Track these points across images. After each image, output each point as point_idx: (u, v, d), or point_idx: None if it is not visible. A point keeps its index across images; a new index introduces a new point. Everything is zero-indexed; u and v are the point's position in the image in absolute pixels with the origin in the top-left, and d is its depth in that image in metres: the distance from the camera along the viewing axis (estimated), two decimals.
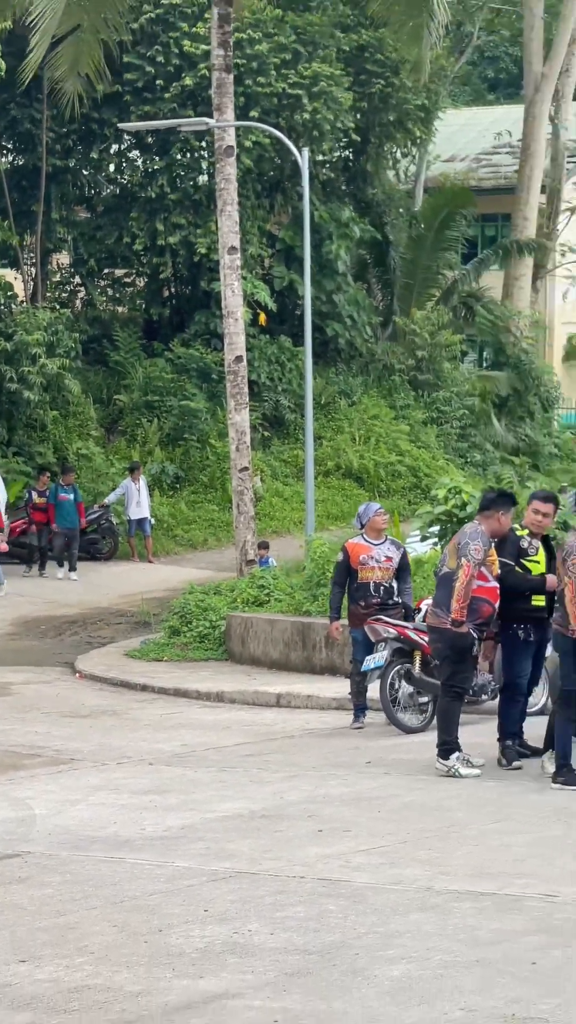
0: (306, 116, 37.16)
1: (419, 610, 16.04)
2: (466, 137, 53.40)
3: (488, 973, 7.94)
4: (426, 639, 14.89)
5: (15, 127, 37.84)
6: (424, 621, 14.83)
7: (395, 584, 16.56)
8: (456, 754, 13.54)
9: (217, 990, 7.91)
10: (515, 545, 13.89)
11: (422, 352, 42.39)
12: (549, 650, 13.72)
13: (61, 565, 30.95)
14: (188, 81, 36.18)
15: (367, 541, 16.67)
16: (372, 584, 16.47)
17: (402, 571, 16.65)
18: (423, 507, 23.19)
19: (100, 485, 34.20)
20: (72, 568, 30.77)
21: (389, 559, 16.57)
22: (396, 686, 16.12)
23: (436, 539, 20.69)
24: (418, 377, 42.62)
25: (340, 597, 16.83)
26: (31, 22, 25.69)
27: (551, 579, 13.40)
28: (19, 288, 39.15)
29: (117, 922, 9.36)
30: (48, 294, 40.38)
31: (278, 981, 8.01)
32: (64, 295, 41.93)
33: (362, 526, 16.92)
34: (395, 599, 16.47)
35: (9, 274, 39.70)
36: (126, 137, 39.16)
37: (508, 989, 7.65)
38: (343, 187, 42.71)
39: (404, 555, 16.89)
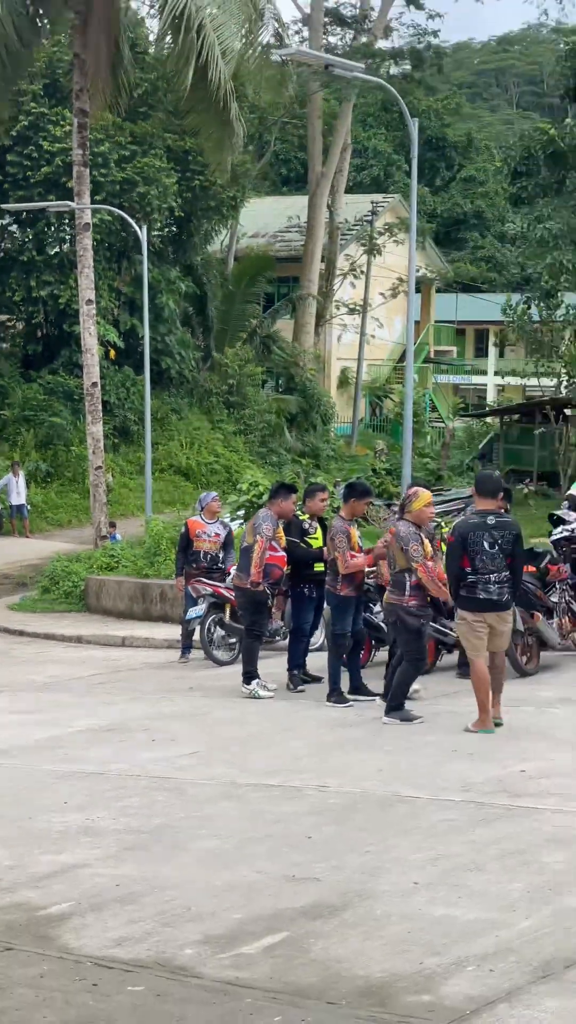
0: (140, 192, 36.85)
1: (228, 574, 16.01)
2: (266, 219, 53.39)
3: (276, 845, 7.97)
4: (233, 595, 14.88)
5: None
6: (232, 582, 14.82)
7: (221, 554, 16.50)
8: (256, 680, 13.55)
9: (73, 862, 7.84)
10: (299, 526, 13.94)
11: (233, 380, 42.33)
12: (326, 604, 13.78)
13: None
14: (47, 169, 35.69)
15: (203, 520, 16.59)
16: (203, 552, 16.40)
17: (227, 545, 16.58)
18: (232, 496, 23.20)
19: None
20: None
21: (218, 535, 16.52)
22: (212, 630, 16.08)
23: (241, 520, 20.69)
24: (230, 399, 42.55)
25: (183, 561, 16.68)
26: None
27: (326, 551, 13.47)
28: None
29: None
30: None
31: (119, 854, 7.97)
32: None
33: (202, 509, 16.83)
34: (219, 565, 16.40)
35: None
36: (7, 215, 38.46)
37: (291, 857, 7.68)
38: (172, 254, 42.38)
39: (229, 532, 16.84)
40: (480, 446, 43.67)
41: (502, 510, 11.45)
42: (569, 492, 18.73)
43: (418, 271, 34.25)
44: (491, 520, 11.05)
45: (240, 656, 14.70)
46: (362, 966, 6.01)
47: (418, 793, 9.06)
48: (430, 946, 6.18)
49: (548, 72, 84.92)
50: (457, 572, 11.06)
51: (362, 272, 49.29)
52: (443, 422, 50.06)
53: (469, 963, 5.96)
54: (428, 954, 6.08)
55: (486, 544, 10.97)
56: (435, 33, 51.09)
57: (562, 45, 42.27)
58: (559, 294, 35.57)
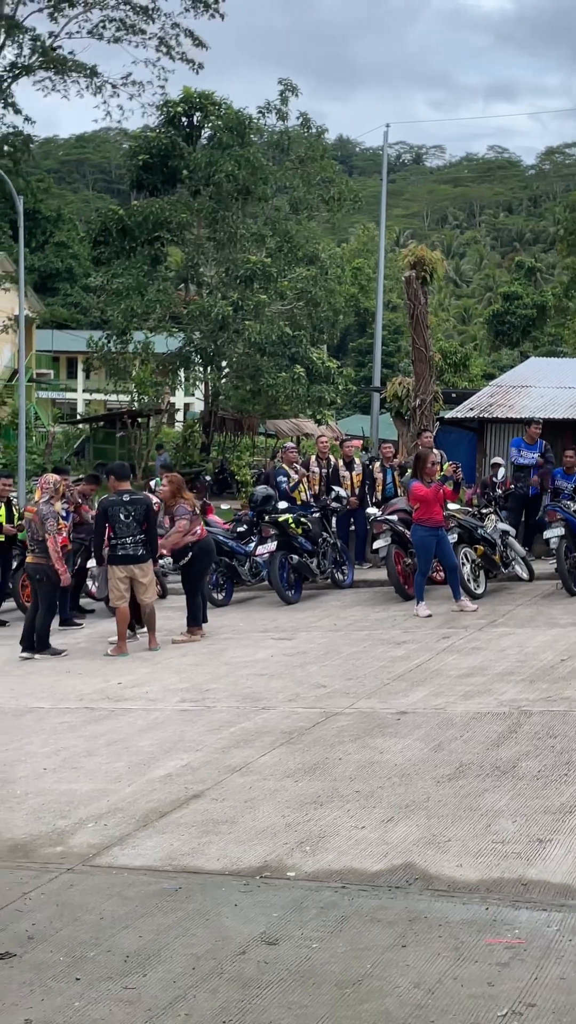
0: None
1: None
2: None
3: None
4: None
5: None
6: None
7: None
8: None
9: None
10: None
11: None
12: None
13: None
14: None
15: None
16: None
17: None
18: None
19: None
20: None
21: None
22: None
23: None
24: None
25: None
26: None
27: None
28: None
29: None
30: None
31: None
32: None
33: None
34: None
35: None
36: None
37: None
38: None
39: None
40: (75, 446, 43.95)
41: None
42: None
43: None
44: (126, 497, 11.89)
45: None
46: (9, 831, 6.32)
47: (42, 704, 9.54)
48: (59, 812, 6.58)
49: (116, 165, 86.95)
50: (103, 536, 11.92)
51: None
52: (45, 427, 50.96)
53: (89, 821, 6.37)
54: (58, 818, 6.49)
55: (122, 515, 11.74)
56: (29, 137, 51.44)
57: (126, 146, 44.05)
58: (129, 332, 37.55)
